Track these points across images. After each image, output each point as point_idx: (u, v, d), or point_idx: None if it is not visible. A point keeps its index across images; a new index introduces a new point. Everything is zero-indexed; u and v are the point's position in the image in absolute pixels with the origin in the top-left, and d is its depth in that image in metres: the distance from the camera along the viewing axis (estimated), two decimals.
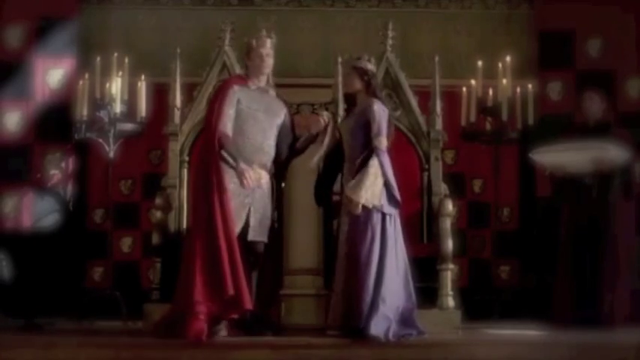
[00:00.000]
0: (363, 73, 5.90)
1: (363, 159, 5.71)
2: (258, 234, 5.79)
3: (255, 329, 5.70)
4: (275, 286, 6.08)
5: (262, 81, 5.98)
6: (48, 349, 5.19)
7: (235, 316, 5.62)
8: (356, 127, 5.78)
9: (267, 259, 5.92)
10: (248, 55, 5.98)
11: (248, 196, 5.73)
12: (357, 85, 5.90)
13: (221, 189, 5.61)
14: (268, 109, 5.90)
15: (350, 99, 6.14)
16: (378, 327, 5.49)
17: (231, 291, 5.42)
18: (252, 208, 5.76)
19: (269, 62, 5.95)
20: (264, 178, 5.84)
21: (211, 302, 5.48)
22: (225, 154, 5.71)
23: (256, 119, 5.83)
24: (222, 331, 5.66)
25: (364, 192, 5.60)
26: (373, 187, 5.63)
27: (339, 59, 6.54)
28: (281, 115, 5.96)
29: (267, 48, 5.94)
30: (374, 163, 5.66)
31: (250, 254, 5.77)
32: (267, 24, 8.34)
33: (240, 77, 6.08)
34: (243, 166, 5.68)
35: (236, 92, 5.85)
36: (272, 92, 6.03)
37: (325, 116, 5.95)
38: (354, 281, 5.62)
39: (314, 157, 5.92)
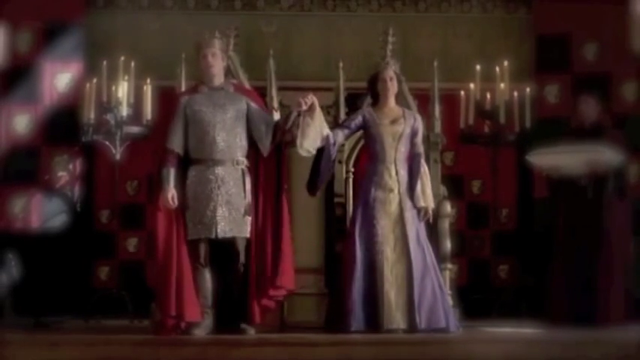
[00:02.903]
0: (399, 80, 6.19)
1: (409, 164, 6.07)
2: (229, 229, 5.77)
3: (237, 326, 5.78)
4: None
5: (215, 81, 5.94)
6: (57, 347, 5.24)
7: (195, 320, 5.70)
8: (406, 135, 6.07)
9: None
10: (198, 57, 5.97)
11: (213, 192, 5.76)
12: (397, 89, 6.15)
13: (158, 205, 5.75)
14: (217, 105, 5.85)
15: (353, 102, 6.36)
16: (455, 322, 5.93)
17: (174, 310, 5.60)
18: (219, 202, 5.75)
19: (216, 62, 5.92)
20: (228, 171, 5.80)
21: (165, 313, 5.67)
22: (162, 172, 5.78)
23: (207, 119, 5.81)
24: (200, 329, 5.71)
25: (432, 198, 6.02)
26: (431, 190, 6.06)
27: (340, 65, 6.65)
28: (238, 106, 5.89)
29: (214, 47, 5.91)
30: (426, 168, 6.09)
31: (228, 253, 5.79)
32: (270, 28, 8.51)
33: (190, 88, 6.09)
34: (166, 189, 5.72)
35: (182, 103, 5.90)
36: (229, 89, 5.98)
37: (309, 97, 5.89)
38: (432, 283, 5.90)
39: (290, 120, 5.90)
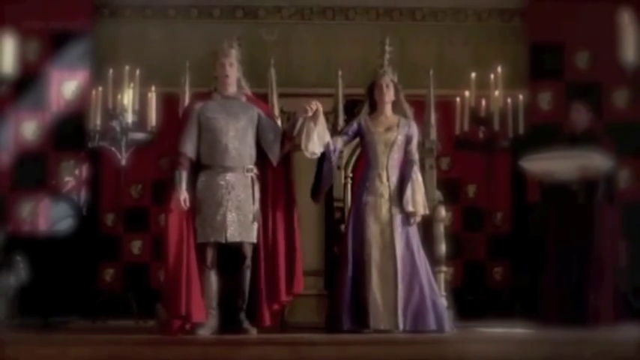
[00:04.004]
0: (397, 88, 6.32)
1: (401, 171, 6.18)
2: (238, 234, 5.90)
3: (240, 326, 5.92)
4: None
5: (229, 90, 6.08)
6: (69, 347, 5.34)
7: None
8: (399, 143, 6.19)
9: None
10: (214, 66, 6.10)
11: (223, 197, 5.89)
12: (393, 97, 6.27)
13: (170, 207, 5.88)
14: (230, 114, 5.97)
15: (351, 109, 6.47)
16: (449, 324, 6.04)
17: (183, 311, 5.73)
18: (229, 208, 5.88)
19: (232, 71, 6.06)
20: (238, 178, 5.93)
21: (173, 313, 5.79)
22: (175, 175, 5.91)
23: (220, 126, 5.94)
24: (204, 330, 5.84)
25: (423, 204, 6.12)
26: (423, 197, 6.15)
27: (339, 73, 6.77)
28: (249, 115, 6.01)
29: (231, 57, 6.05)
30: (419, 175, 6.18)
31: (235, 257, 5.93)
32: (271, 36, 8.60)
33: (204, 94, 6.19)
34: (179, 191, 5.85)
35: (196, 110, 6.01)
36: (242, 99, 6.10)
37: (313, 103, 6.02)
38: (420, 285, 6.01)
39: (296, 126, 6.02)
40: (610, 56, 7.94)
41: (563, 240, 6.80)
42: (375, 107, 6.30)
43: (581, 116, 6.96)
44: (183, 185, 5.88)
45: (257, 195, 5.99)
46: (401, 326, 5.94)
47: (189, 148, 5.95)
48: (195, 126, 5.99)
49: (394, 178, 6.17)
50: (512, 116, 7.56)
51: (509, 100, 7.57)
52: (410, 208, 6.09)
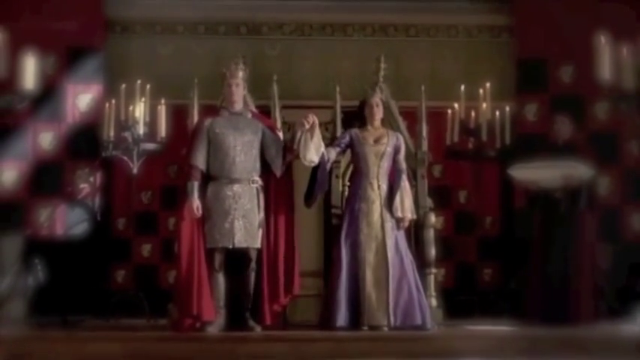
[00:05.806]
0: (385, 105, 6.76)
1: (390, 179, 6.55)
2: (244, 240, 6.26)
3: (246, 324, 6.28)
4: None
5: (236, 107, 6.46)
6: (86, 343, 5.68)
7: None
8: (388, 154, 6.56)
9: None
10: (222, 84, 6.50)
11: (231, 206, 6.26)
12: (382, 115, 6.67)
13: (183, 215, 6.25)
14: (237, 129, 6.36)
15: (348, 120, 6.85)
16: (431, 321, 6.38)
17: (195, 310, 6.11)
18: (236, 216, 6.25)
19: (239, 91, 6.45)
20: (245, 189, 6.30)
21: (185, 312, 6.17)
22: (188, 186, 6.30)
23: (228, 141, 6.32)
24: (213, 327, 6.19)
25: (411, 209, 6.49)
26: (411, 203, 6.52)
27: (337, 89, 7.13)
28: (255, 130, 6.38)
29: (237, 78, 6.44)
30: (406, 183, 6.56)
31: (241, 261, 6.30)
32: (273, 51, 8.91)
33: (212, 110, 6.57)
34: (192, 200, 6.24)
35: (206, 125, 6.40)
36: (248, 115, 6.50)
37: (310, 117, 6.35)
38: (409, 285, 6.37)
39: (295, 140, 6.38)
40: (592, 71, 8.15)
41: (547, 243, 7.08)
42: (365, 122, 6.68)
43: (564, 127, 7.24)
44: (196, 195, 6.28)
45: (262, 204, 6.37)
46: (392, 322, 6.32)
47: (200, 161, 6.35)
48: (204, 140, 6.38)
49: (385, 186, 6.54)
50: (500, 127, 7.80)
51: (497, 112, 7.81)
52: (399, 214, 6.47)
